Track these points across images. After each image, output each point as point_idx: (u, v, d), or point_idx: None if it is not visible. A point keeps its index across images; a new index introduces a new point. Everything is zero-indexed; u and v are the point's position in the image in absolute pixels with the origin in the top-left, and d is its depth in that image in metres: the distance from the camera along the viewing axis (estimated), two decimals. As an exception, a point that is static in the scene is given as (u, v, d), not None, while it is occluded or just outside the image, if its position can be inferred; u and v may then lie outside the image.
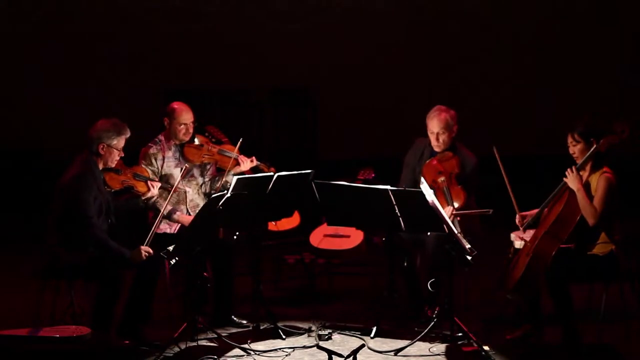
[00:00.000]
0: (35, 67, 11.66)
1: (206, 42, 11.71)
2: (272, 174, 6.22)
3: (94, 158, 5.96)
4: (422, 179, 5.96)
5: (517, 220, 6.01)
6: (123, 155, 6.08)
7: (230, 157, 6.59)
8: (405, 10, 11.75)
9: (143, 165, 6.46)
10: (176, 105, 6.57)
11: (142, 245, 5.87)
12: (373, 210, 5.98)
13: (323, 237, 7.12)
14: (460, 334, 5.97)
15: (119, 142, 6.01)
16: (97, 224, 5.85)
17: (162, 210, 6.17)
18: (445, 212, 6.15)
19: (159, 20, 11.72)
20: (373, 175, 7.00)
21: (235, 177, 6.04)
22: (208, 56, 11.67)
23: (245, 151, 6.68)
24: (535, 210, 6.00)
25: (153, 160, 6.51)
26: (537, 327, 6.03)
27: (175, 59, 11.66)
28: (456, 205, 6.29)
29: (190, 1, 11.82)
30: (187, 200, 6.59)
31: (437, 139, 6.47)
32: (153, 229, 5.97)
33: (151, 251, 5.87)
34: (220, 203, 5.85)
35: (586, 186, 5.77)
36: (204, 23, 11.75)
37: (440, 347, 5.97)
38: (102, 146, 5.96)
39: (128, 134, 6.03)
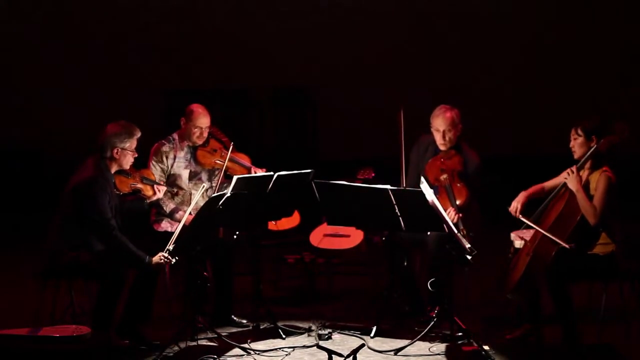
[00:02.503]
0: (36, 67, 11.67)
1: (206, 42, 11.72)
2: (272, 173, 6.22)
3: (106, 161, 5.98)
4: (423, 179, 5.96)
5: (512, 209, 5.98)
6: (137, 155, 6.09)
7: (241, 167, 6.59)
8: (405, 9, 11.75)
9: (153, 162, 6.47)
10: (195, 107, 6.55)
11: (161, 251, 5.88)
12: (373, 210, 5.97)
13: (323, 236, 7.12)
14: (460, 334, 5.97)
15: (132, 143, 6.02)
16: (117, 226, 5.88)
17: (182, 220, 6.11)
18: (450, 212, 6.16)
19: (159, 20, 11.73)
20: (373, 175, 6.99)
21: (235, 177, 6.04)
22: (208, 56, 11.68)
23: (243, 151, 6.70)
24: (524, 194, 6.01)
25: (164, 158, 6.50)
26: (537, 327, 6.03)
27: (175, 59, 11.67)
28: (458, 202, 6.29)
29: (190, 1, 11.82)
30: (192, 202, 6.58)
31: (444, 137, 6.46)
32: (173, 236, 5.94)
33: (170, 258, 5.88)
34: (220, 203, 5.85)
35: (586, 185, 5.78)
36: (204, 23, 11.75)
37: (440, 347, 5.97)
38: (116, 150, 5.97)
39: (139, 134, 6.05)
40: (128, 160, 6.05)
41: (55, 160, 10.89)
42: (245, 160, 6.67)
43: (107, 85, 11.59)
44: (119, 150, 5.98)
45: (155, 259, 5.88)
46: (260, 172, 6.56)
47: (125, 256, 5.85)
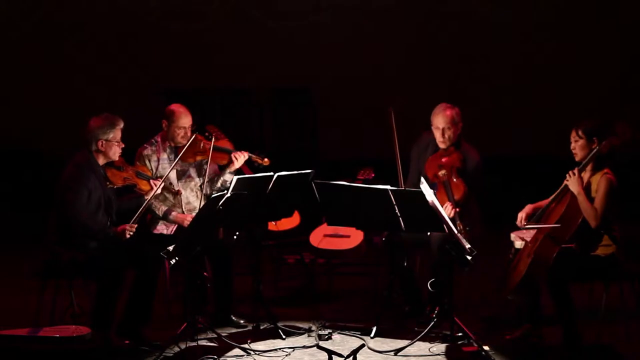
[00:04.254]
0: (35, 67, 11.67)
1: (206, 42, 11.72)
2: (272, 173, 6.21)
3: (93, 155, 6.04)
4: (422, 179, 5.97)
5: (518, 220, 5.98)
6: (123, 146, 6.12)
7: (224, 152, 6.58)
8: (405, 10, 11.75)
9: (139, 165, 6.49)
10: (175, 107, 6.55)
11: (128, 223, 5.99)
12: (373, 210, 5.98)
13: (323, 237, 7.11)
14: (460, 334, 5.97)
15: (115, 134, 6.08)
16: (81, 210, 5.90)
17: (153, 190, 6.19)
18: (447, 207, 6.16)
19: (159, 20, 11.73)
20: (373, 175, 7.00)
21: (235, 177, 6.03)
22: (208, 56, 11.68)
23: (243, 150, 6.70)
24: (530, 205, 6.01)
25: (147, 162, 6.51)
26: (537, 327, 6.03)
27: (175, 59, 11.67)
28: (455, 197, 6.29)
29: (190, 1, 11.82)
30: (183, 203, 6.58)
31: (443, 135, 6.48)
32: (141, 209, 6.06)
33: (133, 229, 5.97)
34: (220, 203, 5.85)
35: (587, 187, 5.77)
36: (204, 23, 11.75)
37: (440, 347, 5.97)
38: (100, 143, 6.04)
39: (122, 124, 6.12)
40: (115, 151, 6.10)
41: (55, 160, 10.89)
42: (227, 145, 6.65)
43: (107, 85, 11.59)
44: (104, 142, 6.04)
45: (119, 230, 5.95)
46: (241, 156, 6.57)
47: (91, 235, 5.91)
